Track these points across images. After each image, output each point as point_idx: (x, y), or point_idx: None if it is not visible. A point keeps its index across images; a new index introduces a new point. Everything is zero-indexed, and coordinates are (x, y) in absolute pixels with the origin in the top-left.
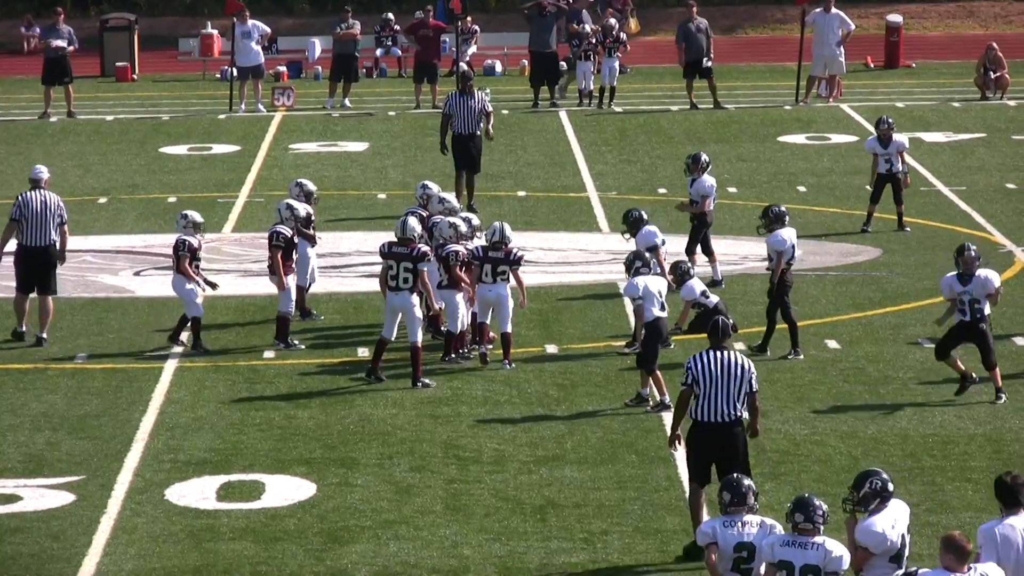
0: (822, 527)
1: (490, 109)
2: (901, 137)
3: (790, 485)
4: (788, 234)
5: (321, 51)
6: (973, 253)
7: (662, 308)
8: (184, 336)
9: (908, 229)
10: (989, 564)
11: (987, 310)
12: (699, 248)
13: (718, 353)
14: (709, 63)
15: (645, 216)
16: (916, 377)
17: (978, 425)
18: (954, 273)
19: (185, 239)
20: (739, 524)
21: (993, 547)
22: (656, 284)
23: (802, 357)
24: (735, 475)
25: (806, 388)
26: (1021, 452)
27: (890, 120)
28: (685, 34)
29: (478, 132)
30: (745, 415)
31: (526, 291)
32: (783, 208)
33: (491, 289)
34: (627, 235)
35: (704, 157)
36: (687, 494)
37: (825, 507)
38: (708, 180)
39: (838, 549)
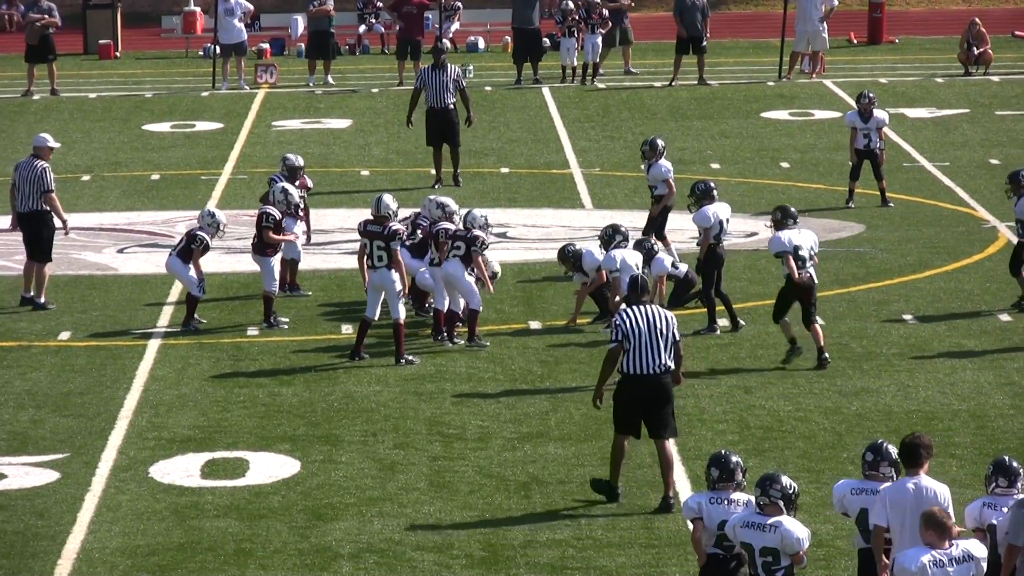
0: (781, 503)
1: (464, 85)
2: (882, 113)
3: (774, 461)
4: (715, 209)
5: (304, 28)
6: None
7: None
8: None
9: (892, 204)
10: (972, 541)
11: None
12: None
13: (642, 308)
14: (705, 43)
15: (580, 247)
16: (900, 353)
17: (962, 401)
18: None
19: (204, 236)
20: (726, 501)
21: (882, 508)
22: (634, 257)
23: (718, 332)
24: (723, 451)
25: (790, 364)
26: (1004, 428)
27: (871, 94)
28: (681, 9)
29: (452, 105)
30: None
31: (497, 276)
32: (711, 183)
33: (445, 263)
34: (570, 273)
35: (660, 142)
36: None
37: (787, 484)
38: (665, 164)
39: (797, 530)
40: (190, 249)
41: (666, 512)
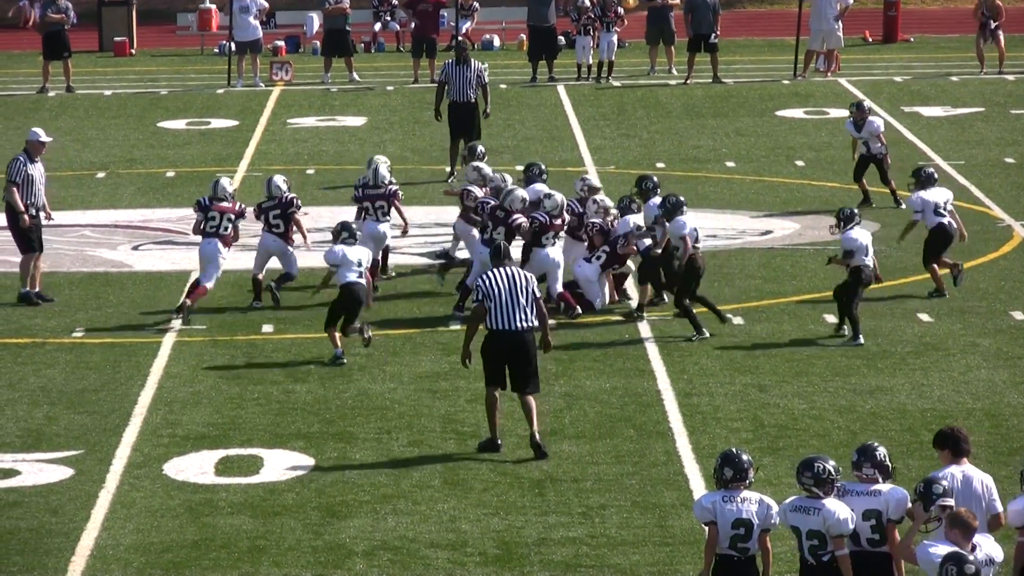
0: (816, 488)
1: (486, 81)
2: (876, 119)
3: (788, 460)
4: (690, 218)
5: (319, 25)
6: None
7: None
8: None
9: (904, 205)
10: (992, 544)
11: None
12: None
13: (503, 270)
14: (715, 39)
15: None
16: (914, 352)
17: (976, 400)
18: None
19: (294, 197)
20: (738, 500)
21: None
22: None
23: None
24: (734, 449)
25: (804, 363)
26: (1019, 426)
27: (862, 104)
28: (691, 6)
29: (474, 99)
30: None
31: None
32: (681, 198)
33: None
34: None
35: (537, 167)
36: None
37: (819, 468)
38: (537, 187)
39: (841, 511)
40: (288, 216)
41: (541, 456)
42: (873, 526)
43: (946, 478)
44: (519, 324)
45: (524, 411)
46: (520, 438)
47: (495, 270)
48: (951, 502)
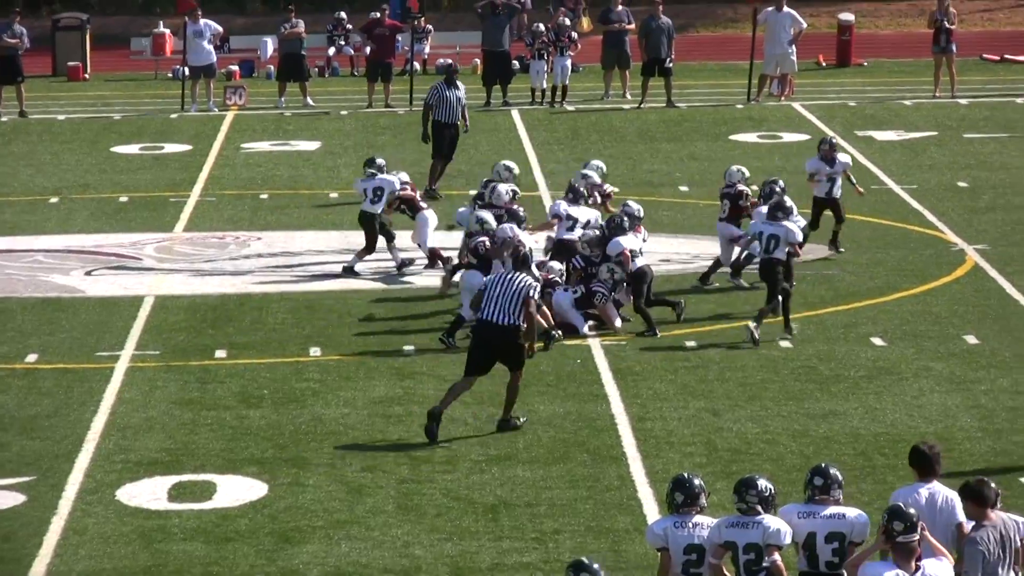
0: (759, 507)
1: (465, 102)
2: (845, 155)
3: None
4: (626, 241)
5: (273, 50)
6: None
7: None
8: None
9: (843, 250)
10: (940, 564)
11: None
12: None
13: (506, 273)
14: (670, 63)
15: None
16: (868, 376)
17: (929, 424)
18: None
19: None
20: (690, 525)
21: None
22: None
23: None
24: (686, 474)
25: (757, 387)
26: (972, 450)
27: (832, 140)
28: (646, 31)
29: (459, 122)
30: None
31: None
32: (624, 218)
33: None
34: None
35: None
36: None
37: (763, 487)
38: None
39: (777, 524)
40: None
41: (506, 428)
42: (835, 549)
43: (911, 503)
44: (499, 319)
45: (509, 388)
46: (474, 463)
47: (500, 271)
48: (914, 538)
